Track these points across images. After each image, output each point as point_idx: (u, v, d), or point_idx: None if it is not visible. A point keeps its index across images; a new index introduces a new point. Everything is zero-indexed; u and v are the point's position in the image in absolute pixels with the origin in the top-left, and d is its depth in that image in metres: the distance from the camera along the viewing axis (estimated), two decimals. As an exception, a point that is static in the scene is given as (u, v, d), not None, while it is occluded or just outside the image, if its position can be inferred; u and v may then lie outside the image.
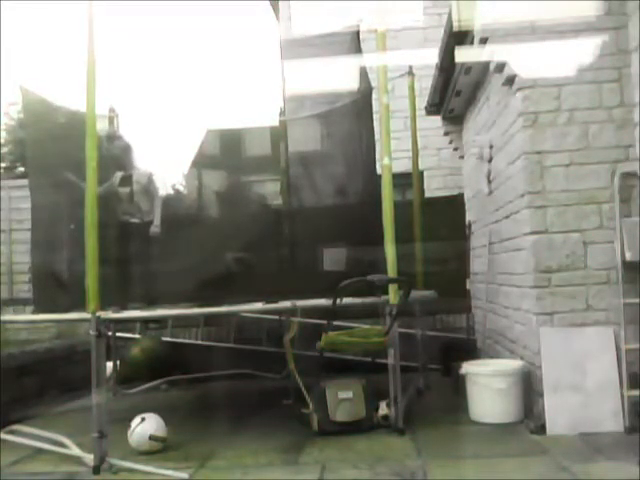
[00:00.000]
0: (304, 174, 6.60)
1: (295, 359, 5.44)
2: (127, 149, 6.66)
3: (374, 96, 5.76)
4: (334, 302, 4.80)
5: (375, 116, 5.66)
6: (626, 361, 4.60)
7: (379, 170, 5.25)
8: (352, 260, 5.93)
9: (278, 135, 6.92)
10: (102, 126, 6.53)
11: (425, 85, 7.78)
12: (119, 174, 6.50)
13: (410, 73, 6.66)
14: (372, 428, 4.97)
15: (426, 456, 4.29)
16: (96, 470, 4.26)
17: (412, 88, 6.69)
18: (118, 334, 7.27)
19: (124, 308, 5.10)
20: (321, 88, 6.16)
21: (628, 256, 4.63)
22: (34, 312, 6.05)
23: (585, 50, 4.79)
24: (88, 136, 4.51)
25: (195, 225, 6.60)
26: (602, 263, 4.79)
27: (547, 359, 4.72)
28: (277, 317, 7.17)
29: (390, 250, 4.93)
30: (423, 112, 8.08)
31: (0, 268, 9.60)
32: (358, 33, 5.98)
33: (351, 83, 5.98)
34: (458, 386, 5.51)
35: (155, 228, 6.53)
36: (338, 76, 6.01)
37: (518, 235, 5.26)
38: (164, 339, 7.98)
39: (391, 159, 5.02)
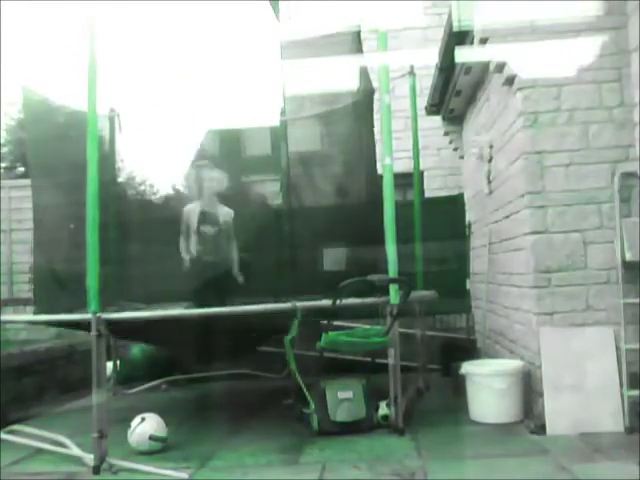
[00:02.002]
0: (305, 174, 6.60)
1: (295, 359, 5.44)
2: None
3: (375, 96, 5.76)
4: (334, 302, 4.80)
5: (376, 116, 5.66)
6: (626, 361, 4.61)
7: (380, 170, 5.25)
8: (352, 260, 5.93)
9: (278, 135, 6.92)
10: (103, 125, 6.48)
11: (425, 85, 7.77)
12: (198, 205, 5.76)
13: (411, 73, 6.66)
14: (372, 428, 4.96)
15: (426, 456, 4.29)
16: (96, 470, 4.26)
17: (413, 88, 6.69)
18: (118, 334, 7.27)
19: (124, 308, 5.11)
20: (322, 88, 6.15)
21: (628, 256, 4.63)
22: (35, 312, 6.05)
23: (585, 50, 4.79)
24: (89, 136, 4.51)
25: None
26: (602, 263, 4.79)
27: (547, 359, 4.73)
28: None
29: (390, 250, 4.93)
30: (423, 112, 8.08)
31: (0, 268, 9.60)
32: (359, 33, 5.97)
33: (352, 83, 5.98)
34: (458, 386, 5.51)
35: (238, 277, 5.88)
36: (340, 76, 6.01)
37: (518, 235, 5.26)
38: (164, 339, 7.97)
39: (392, 159, 5.02)
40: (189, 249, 5.65)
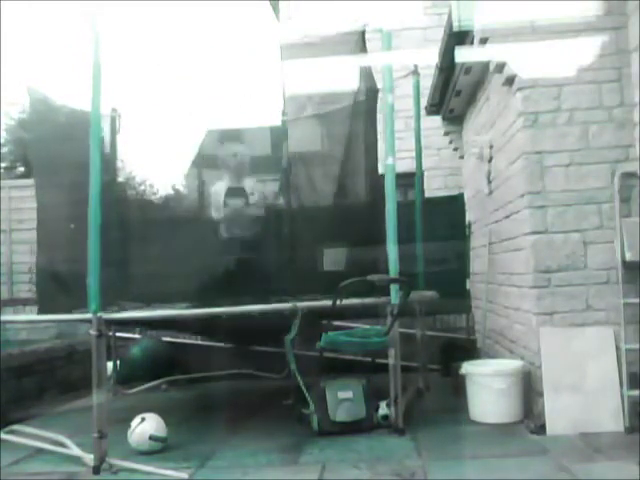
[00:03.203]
0: (306, 174, 6.60)
1: (295, 359, 5.44)
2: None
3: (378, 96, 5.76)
4: (334, 302, 4.80)
5: (379, 116, 5.66)
6: (626, 361, 4.61)
7: (381, 170, 5.25)
8: (352, 260, 5.93)
9: (279, 135, 6.92)
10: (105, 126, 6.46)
11: (425, 85, 7.76)
12: (221, 184, 6.00)
13: (415, 72, 6.65)
14: (372, 428, 4.96)
15: (426, 456, 4.29)
16: (96, 470, 4.26)
17: (417, 87, 6.69)
18: (118, 334, 7.27)
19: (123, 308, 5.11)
20: (325, 89, 6.15)
21: (628, 256, 4.63)
22: (38, 312, 6.04)
23: (585, 50, 4.79)
24: (92, 136, 4.52)
25: (195, 225, 6.60)
26: (602, 263, 4.79)
27: (547, 359, 4.72)
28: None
29: (391, 250, 4.94)
30: (423, 112, 8.07)
31: (0, 268, 9.60)
32: (364, 33, 5.97)
33: (356, 83, 5.97)
34: (458, 386, 5.51)
35: None
36: (344, 76, 6.01)
37: (518, 235, 5.26)
38: (164, 339, 7.98)
39: (394, 159, 5.02)
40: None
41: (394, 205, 4.96)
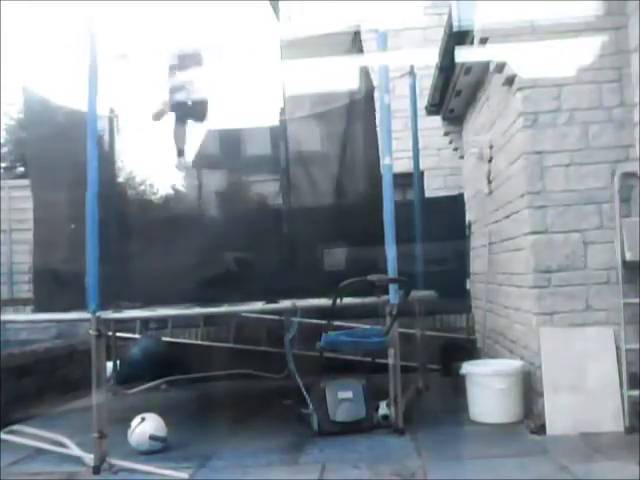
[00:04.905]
0: (304, 174, 6.60)
1: (295, 359, 5.44)
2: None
3: (375, 96, 5.76)
4: (334, 302, 4.80)
5: (376, 116, 5.66)
6: (626, 361, 4.60)
7: (381, 170, 5.25)
8: (352, 260, 5.93)
9: (278, 135, 6.92)
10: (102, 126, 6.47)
11: (425, 85, 7.77)
12: None
13: (411, 73, 6.66)
14: (372, 428, 4.96)
15: (426, 456, 4.29)
16: (96, 470, 4.26)
17: (413, 88, 6.69)
18: (118, 334, 7.27)
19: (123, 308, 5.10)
20: (323, 88, 6.15)
21: (628, 256, 4.63)
22: (34, 311, 6.05)
23: (585, 50, 4.79)
24: (89, 136, 4.52)
25: (195, 225, 6.59)
26: (602, 263, 4.79)
27: (547, 359, 4.72)
28: (277, 317, 7.17)
29: (390, 250, 4.94)
30: (423, 112, 8.08)
31: (0, 268, 9.60)
32: (359, 33, 5.98)
33: (353, 83, 5.97)
34: (458, 386, 5.51)
35: None
36: (340, 76, 6.01)
37: (518, 235, 5.26)
38: (164, 339, 7.98)
39: (392, 159, 5.03)
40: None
41: (392, 205, 4.96)
